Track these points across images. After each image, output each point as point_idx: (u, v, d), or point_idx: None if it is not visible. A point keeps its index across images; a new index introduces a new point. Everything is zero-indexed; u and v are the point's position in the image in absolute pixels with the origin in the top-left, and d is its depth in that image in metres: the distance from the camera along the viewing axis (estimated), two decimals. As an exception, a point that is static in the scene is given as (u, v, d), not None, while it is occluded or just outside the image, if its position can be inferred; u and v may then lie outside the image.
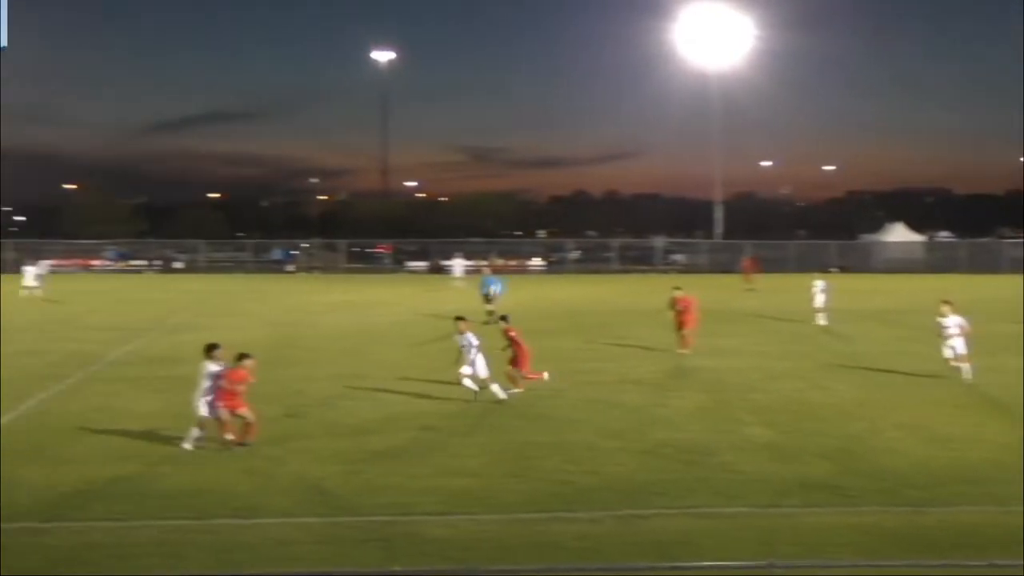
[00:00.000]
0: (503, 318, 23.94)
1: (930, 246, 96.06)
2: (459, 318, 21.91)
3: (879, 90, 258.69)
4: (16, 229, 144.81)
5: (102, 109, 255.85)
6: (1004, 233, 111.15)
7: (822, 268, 68.42)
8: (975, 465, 16.06)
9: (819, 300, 37.58)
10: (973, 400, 21.55)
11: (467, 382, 21.11)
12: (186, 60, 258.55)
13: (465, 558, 11.69)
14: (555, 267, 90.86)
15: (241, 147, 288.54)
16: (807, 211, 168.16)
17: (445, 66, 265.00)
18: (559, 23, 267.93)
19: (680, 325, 29.18)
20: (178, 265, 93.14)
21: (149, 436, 17.74)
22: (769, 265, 76.88)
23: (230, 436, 16.80)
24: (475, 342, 21.26)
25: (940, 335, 24.05)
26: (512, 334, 22.69)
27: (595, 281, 72.91)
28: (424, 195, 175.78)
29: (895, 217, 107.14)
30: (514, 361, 22.43)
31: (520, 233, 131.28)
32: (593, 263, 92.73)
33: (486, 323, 36.81)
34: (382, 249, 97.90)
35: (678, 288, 30.29)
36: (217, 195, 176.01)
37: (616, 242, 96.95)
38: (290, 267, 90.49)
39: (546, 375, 22.86)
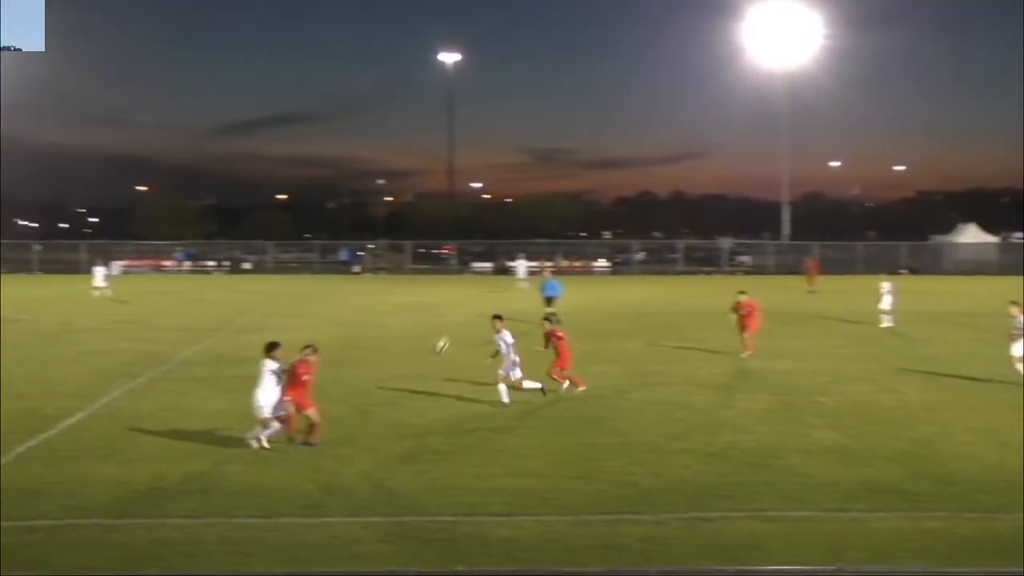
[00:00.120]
0: (548, 319, 23.75)
1: (1003, 247, 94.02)
2: (496, 316, 21.80)
3: (951, 88, 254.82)
4: (89, 230, 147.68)
5: (173, 112, 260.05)
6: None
7: (891, 270, 67.66)
8: (1049, 470, 15.74)
9: (886, 302, 37.14)
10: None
11: (502, 387, 20.93)
12: (255, 63, 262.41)
13: (530, 559, 11.69)
14: (620, 268, 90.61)
15: (308, 149, 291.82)
16: (877, 212, 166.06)
17: (511, 67, 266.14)
18: (626, 23, 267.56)
19: (743, 328, 28.96)
20: (246, 266, 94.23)
21: (217, 435, 17.94)
22: (837, 267, 76.15)
23: (295, 433, 16.96)
24: (510, 340, 21.21)
25: (1011, 336, 23.68)
26: (559, 335, 22.59)
27: (660, 282, 72.60)
28: (489, 196, 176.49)
29: (967, 218, 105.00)
30: (558, 361, 22.38)
31: (585, 234, 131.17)
32: (658, 264, 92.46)
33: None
34: (447, 250, 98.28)
35: (743, 292, 30.05)
36: (284, 196, 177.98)
37: (682, 243, 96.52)
38: (356, 268, 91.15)
39: (565, 384, 22.50)
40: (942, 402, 21.57)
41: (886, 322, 36.70)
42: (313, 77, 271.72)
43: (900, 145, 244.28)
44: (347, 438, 17.75)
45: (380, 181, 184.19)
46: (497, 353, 21.29)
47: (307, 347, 17.55)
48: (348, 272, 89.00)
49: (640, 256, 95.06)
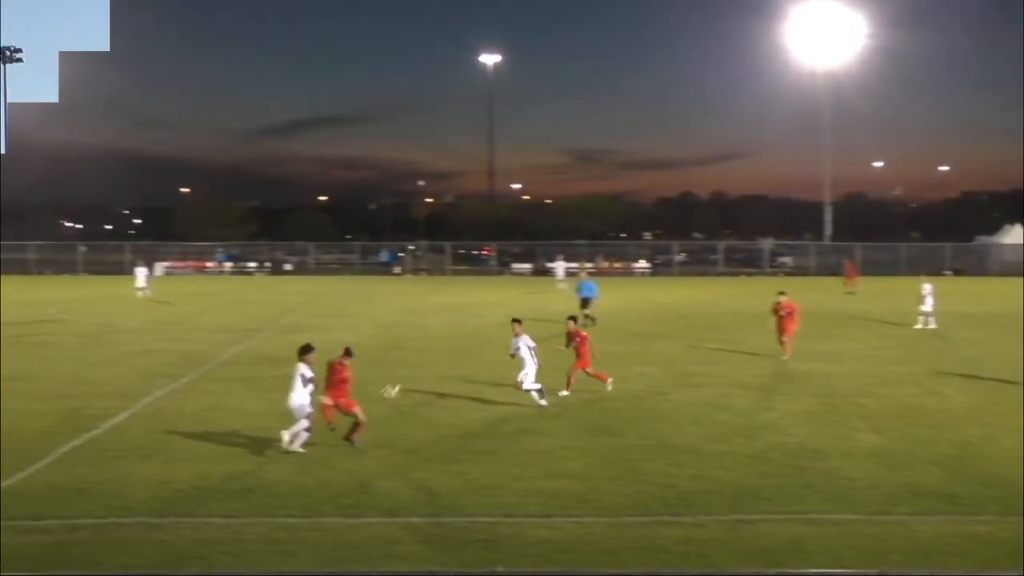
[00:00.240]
0: (572, 319, 23.62)
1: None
2: (516, 320, 21.72)
3: (996, 87, 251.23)
4: (133, 232, 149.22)
5: (216, 114, 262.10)
6: None
7: (935, 271, 67.00)
8: (1096, 474, 15.53)
9: (927, 304, 36.83)
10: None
11: (528, 385, 20.86)
12: (296, 65, 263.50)
13: (568, 560, 11.68)
14: (660, 270, 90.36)
15: (350, 150, 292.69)
16: (920, 212, 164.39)
17: (551, 68, 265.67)
18: (668, 24, 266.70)
19: (782, 330, 28.70)
20: (288, 267, 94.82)
21: (259, 435, 18.04)
22: (880, 268, 75.64)
23: (333, 424, 17.12)
24: (531, 344, 21.13)
25: None
26: (582, 335, 22.54)
27: (701, 284, 72.36)
28: (529, 197, 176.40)
29: (1013, 218, 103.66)
30: (579, 362, 22.36)
31: (625, 235, 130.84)
32: (699, 265, 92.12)
33: (584, 327, 36.84)
34: (487, 251, 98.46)
35: (783, 293, 29.79)
36: (325, 198, 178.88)
37: (722, 244, 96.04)
38: (397, 269, 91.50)
39: (566, 391, 22.40)
40: (986, 405, 21.35)
41: (924, 324, 36.46)
42: (355, 79, 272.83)
43: (944, 145, 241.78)
44: (387, 439, 17.81)
45: (421, 182, 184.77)
46: (514, 356, 21.26)
47: (346, 351, 17.67)
48: (388, 273, 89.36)
49: (680, 257, 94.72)
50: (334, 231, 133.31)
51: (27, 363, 27.75)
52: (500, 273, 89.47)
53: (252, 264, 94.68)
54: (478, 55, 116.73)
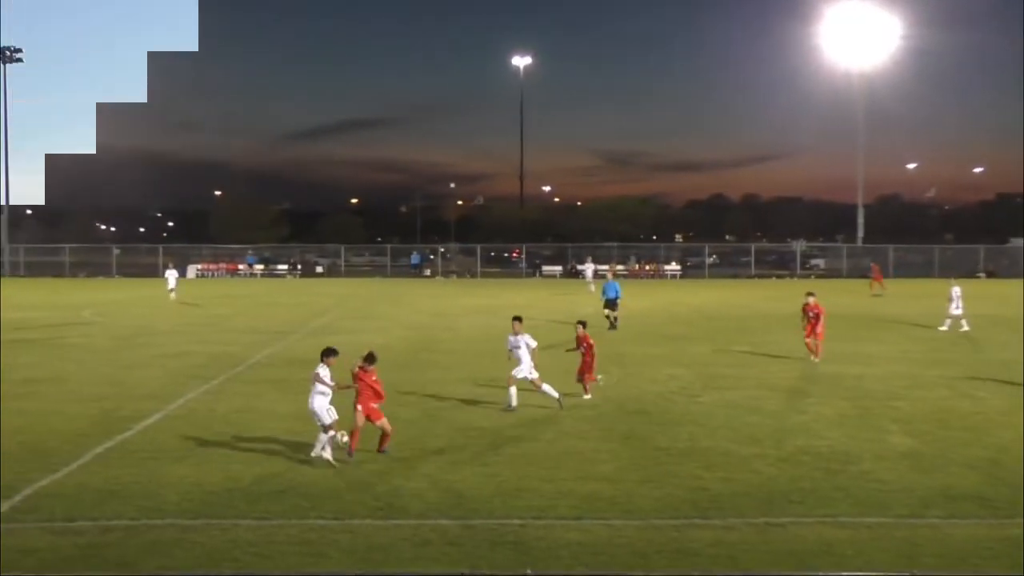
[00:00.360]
0: (581, 323, 23.39)
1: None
2: (516, 318, 21.64)
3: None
4: (166, 235, 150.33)
5: (249, 117, 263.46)
6: None
7: (969, 273, 66.50)
8: None
9: (955, 306, 36.61)
10: None
11: (513, 391, 20.84)
12: (330, 69, 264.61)
13: (598, 563, 11.66)
14: (691, 272, 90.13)
15: (381, 153, 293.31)
16: (954, 214, 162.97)
17: (582, 70, 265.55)
18: (699, 25, 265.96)
19: (808, 332, 28.48)
20: (319, 269, 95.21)
21: (290, 437, 18.10)
22: (913, 270, 75.16)
23: (346, 438, 16.50)
24: (532, 344, 21.09)
25: None
26: (589, 342, 22.47)
27: (732, 286, 72.13)
28: (559, 199, 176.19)
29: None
30: (582, 367, 22.33)
31: (656, 237, 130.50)
32: (730, 268, 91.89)
33: (610, 328, 36.81)
34: (517, 253, 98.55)
35: (811, 294, 29.52)
36: (356, 201, 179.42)
37: (754, 246, 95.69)
38: (427, 271, 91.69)
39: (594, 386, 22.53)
40: (1020, 408, 21.11)
41: (952, 326, 36.25)
42: (387, 82, 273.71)
43: (979, 146, 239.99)
44: (417, 440, 17.84)
45: (452, 185, 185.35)
46: (511, 354, 21.23)
47: (369, 356, 17.16)
48: (419, 275, 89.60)
49: (711, 260, 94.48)
50: (365, 233, 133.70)
51: (62, 365, 28.03)
52: (530, 275, 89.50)
53: (282, 266, 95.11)
54: (510, 57, 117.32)
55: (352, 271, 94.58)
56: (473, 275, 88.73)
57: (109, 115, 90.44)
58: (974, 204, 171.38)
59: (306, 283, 79.19)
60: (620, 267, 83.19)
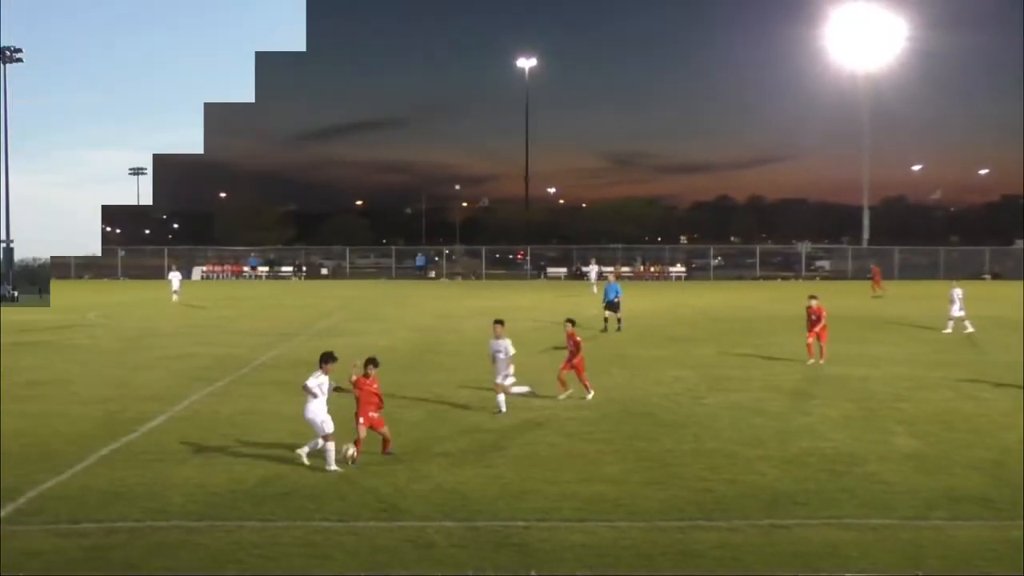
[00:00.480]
0: (570, 320, 23.34)
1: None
2: (498, 321, 21.62)
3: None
4: (171, 236, 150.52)
5: (254, 119, 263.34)
6: None
7: (974, 275, 66.45)
8: None
9: (956, 308, 36.60)
10: None
11: (501, 398, 20.79)
12: (333, 70, 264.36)
13: (603, 564, 11.66)
14: (697, 273, 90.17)
15: (386, 155, 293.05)
16: (960, 216, 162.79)
17: (588, 72, 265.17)
18: (705, 27, 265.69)
19: (811, 334, 28.44)
20: (324, 271, 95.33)
21: (295, 439, 18.02)
22: (918, 271, 75.12)
23: (352, 451, 16.33)
24: (511, 351, 21.00)
25: None
26: (577, 339, 22.46)
27: (737, 288, 72.12)
28: (564, 201, 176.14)
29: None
30: (568, 364, 22.32)
31: (661, 239, 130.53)
32: (735, 269, 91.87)
33: (603, 330, 36.83)
34: (522, 255, 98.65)
35: (813, 296, 29.47)
36: (362, 202, 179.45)
37: (759, 248, 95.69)
38: (432, 273, 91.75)
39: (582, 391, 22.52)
40: (1026, 410, 21.10)
41: (954, 328, 36.18)
42: (392, 83, 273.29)
43: (984, 148, 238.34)
44: (421, 442, 17.85)
45: (456, 186, 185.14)
46: (494, 360, 21.19)
47: (369, 361, 17.02)
48: (424, 277, 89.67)
49: (717, 261, 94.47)
50: (370, 235, 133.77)
51: (66, 366, 28.11)
52: (535, 277, 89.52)
53: (287, 268, 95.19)
54: (514, 58, 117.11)
55: (357, 273, 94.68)
56: (478, 277, 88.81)
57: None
58: (979, 206, 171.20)
59: (311, 285, 79.25)
60: (625, 268, 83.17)
